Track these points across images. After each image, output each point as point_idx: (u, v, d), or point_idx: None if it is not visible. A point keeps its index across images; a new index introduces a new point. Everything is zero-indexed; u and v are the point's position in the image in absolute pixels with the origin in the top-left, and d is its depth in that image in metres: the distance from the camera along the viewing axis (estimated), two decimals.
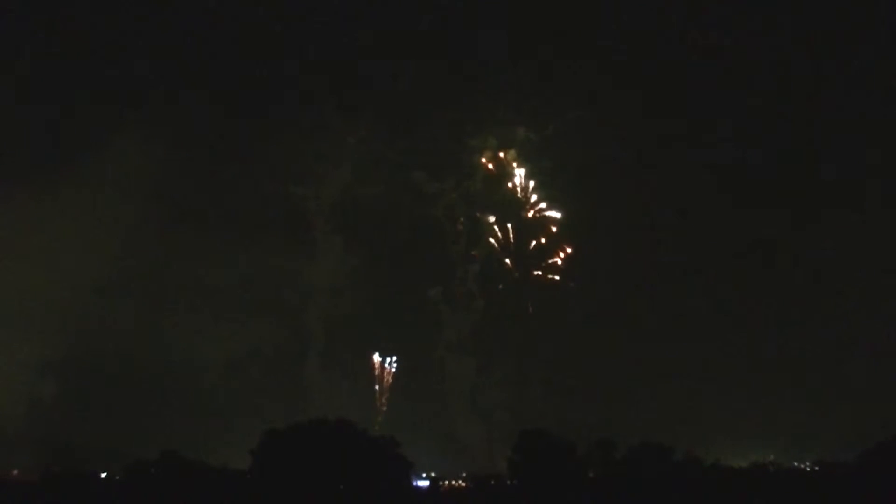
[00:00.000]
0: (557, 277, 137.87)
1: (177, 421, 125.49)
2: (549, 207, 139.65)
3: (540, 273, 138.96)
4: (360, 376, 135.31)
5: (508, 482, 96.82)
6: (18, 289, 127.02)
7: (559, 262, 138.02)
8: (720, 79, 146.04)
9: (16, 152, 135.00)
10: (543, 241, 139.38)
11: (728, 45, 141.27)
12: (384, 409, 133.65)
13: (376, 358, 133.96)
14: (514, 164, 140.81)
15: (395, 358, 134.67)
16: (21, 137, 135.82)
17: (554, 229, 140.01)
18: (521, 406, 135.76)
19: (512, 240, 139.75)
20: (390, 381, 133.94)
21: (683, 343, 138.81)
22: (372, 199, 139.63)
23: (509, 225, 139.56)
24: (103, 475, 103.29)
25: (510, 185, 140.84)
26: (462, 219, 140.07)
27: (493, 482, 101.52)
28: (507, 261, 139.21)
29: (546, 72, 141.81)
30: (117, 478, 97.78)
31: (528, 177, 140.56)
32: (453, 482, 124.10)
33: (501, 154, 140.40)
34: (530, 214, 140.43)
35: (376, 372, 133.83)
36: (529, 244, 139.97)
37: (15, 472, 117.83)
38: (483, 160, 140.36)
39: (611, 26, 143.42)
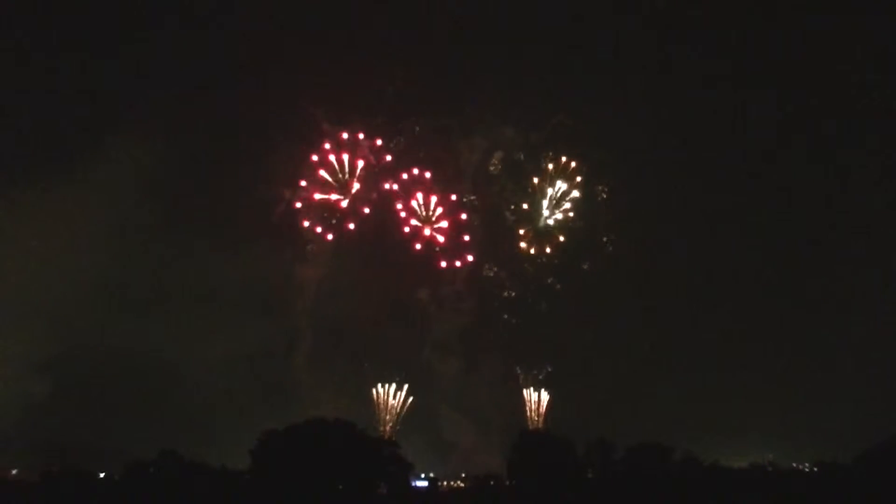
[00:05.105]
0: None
1: (175, 421, 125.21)
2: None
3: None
4: (353, 376, 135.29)
5: (507, 482, 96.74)
6: (15, 288, 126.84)
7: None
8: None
9: (14, 152, 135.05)
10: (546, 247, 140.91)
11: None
12: (390, 418, 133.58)
13: (380, 390, 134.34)
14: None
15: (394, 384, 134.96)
16: (19, 137, 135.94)
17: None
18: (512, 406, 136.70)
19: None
20: (397, 404, 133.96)
21: (683, 344, 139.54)
22: (363, 202, 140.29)
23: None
24: (102, 475, 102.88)
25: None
26: (452, 219, 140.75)
27: (491, 482, 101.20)
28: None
29: (538, 74, 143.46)
30: (116, 477, 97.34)
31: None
32: (452, 483, 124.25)
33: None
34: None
35: (380, 399, 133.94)
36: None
37: (14, 471, 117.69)
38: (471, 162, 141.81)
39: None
